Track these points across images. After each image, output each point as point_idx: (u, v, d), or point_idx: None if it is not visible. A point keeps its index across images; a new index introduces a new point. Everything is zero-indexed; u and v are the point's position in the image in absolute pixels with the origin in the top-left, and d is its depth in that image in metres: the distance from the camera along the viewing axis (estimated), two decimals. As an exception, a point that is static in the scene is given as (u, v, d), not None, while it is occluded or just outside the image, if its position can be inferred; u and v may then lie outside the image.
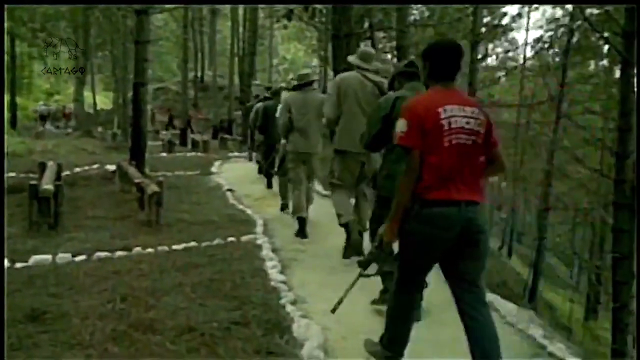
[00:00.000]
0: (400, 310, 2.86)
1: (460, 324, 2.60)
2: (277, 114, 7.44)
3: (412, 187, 2.57)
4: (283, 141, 6.45)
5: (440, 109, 2.56)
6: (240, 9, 28.03)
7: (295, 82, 6.31)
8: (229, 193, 8.90)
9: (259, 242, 5.56)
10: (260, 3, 22.72)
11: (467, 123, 2.58)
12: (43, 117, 27.42)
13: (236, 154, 16.39)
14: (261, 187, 9.35)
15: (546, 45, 19.98)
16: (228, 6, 31.12)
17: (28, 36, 22.73)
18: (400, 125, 2.60)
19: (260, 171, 10.21)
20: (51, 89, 37.26)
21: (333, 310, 3.05)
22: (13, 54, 24.91)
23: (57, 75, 33.77)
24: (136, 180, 7.38)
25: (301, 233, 5.81)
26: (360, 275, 3.02)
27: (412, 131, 2.55)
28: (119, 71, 23.43)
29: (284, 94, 7.19)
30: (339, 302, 3.03)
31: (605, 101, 14.06)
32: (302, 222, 5.89)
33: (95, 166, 11.18)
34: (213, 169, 12.19)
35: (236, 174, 11.52)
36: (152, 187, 6.62)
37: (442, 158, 2.55)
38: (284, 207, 7.36)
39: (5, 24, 21.32)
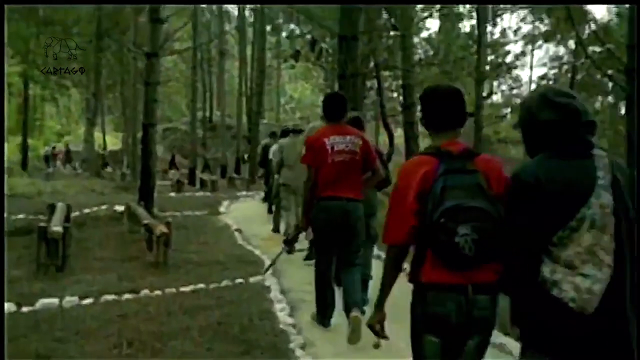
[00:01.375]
0: (319, 279, 4.15)
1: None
2: (271, 155, 9.07)
3: (310, 189, 3.97)
4: (277, 176, 7.97)
5: (325, 139, 3.95)
6: (249, 49, 28.58)
7: (290, 129, 8.19)
8: (237, 233, 8.88)
9: (267, 283, 5.51)
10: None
11: (346, 146, 3.95)
12: (47, 159, 27.73)
13: (244, 193, 16.43)
14: (269, 227, 9.33)
15: (551, 82, 20.16)
16: (236, 47, 31.75)
17: (41, 79, 23.23)
18: (303, 150, 4.14)
19: (270, 210, 10.22)
20: (62, 130, 37.84)
21: (264, 272, 5.27)
22: (26, 96, 25.41)
23: (68, 117, 34.35)
24: (144, 221, 7.38)
25: (289, 244, 5.85)
26: (283, 250, 5.33)
27: (307, 154, 4.03)
28: (129, 112, 23.82)
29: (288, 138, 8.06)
30: (268, 268, 5.23)
31: (612, 137, 14.08)
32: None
33: (104, 207, 11.22)
34: (221, 209, 12.19)
35: (244, 213, 11.51)
36: (160, 228, 6.62)
37: (328, 170, 3.92)
38: (275, 230, 8.68)
39: (19, 67, 21.90)
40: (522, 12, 21.53)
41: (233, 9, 33.25)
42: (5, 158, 17.02)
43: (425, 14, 18.68)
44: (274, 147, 9.02)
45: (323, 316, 4.18)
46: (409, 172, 2.13)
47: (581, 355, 1.75)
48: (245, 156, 25.34)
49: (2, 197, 9.35)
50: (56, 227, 6.44)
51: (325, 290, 4.14)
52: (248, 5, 30.32)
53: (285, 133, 8.28)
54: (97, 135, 27.56)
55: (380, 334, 2.25)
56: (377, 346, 2.39)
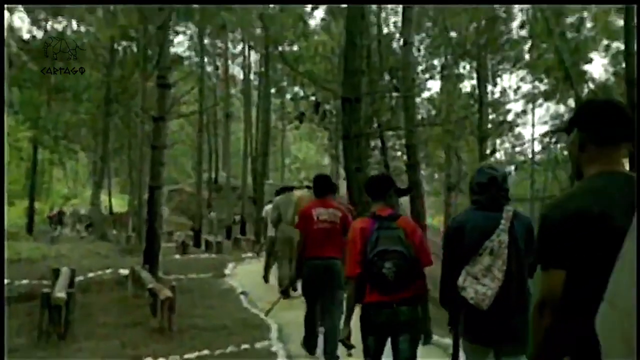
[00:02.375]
0: (307, 320, 5.06)
1: None
2: (263, 214, 10.08)
3: (301, 249, 4.88)
4: (273, 230, 8.68)
5: (313, 210, 4.91)
6: (254, 111, 29.15)
7: (284, 187, 9.03)
8: (242, 296, 8.74)
9: (273, 349, 5.38)
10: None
11: (328, 217, 4.88)
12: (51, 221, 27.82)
13: (249, 254, 16.30)
14: (276, 289, 9.19)
15: (553, 140, 20.34)
16: (242, 109, 32.40)
17: (50, 143, 23.63)
18: (296, 219, 5.29)
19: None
20: (69, 193, 38.11)
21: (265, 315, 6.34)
22: (35, 161, 25.77)
23: (76, 180, 34.67)
24: (149, 286, 7.30)
25: (285, 293, 6.57)
26: (280, 297, 6.54)
27: (299, 222, 4.99)
28: (135, 174, 24.03)
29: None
30: (268, 313, 6.42)
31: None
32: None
33: (108, 271, 11.13)
34: (226, 271, 12.07)
35: (250, 275, 11.38)
36: (165, 293, 6.53)
37: (314, 235, 4.81)
38: (266, 280, 9.53)
39: (29, 133, 22.31)
40: (522, 72, 22.06)
41: (238, 73, 34.21)
42: (10, 221, 17.07)
43: (427, 76, 19.17)
44: (267, 206, 9.86)
45: (309, 348, 5.17)
46: (356, 228, 3.27)
47: (482, 334, 2.78)
48: (237, 218, 25.44)
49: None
50: (60, 293, 6.37)
51: (311, 333, 5.12)
52: (253, 69, 31.22)
53: (279, 192, 8.92)
54: (104, 197, 27.72)
55: (348, 346, 3.26)
56: (350, 355, 3.55)
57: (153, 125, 12.23)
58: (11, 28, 20.53)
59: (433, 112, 21.64)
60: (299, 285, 5.41)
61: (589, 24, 19.02)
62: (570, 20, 18.15)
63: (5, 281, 7.87)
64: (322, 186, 5.05)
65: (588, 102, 2.03)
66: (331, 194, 5.13)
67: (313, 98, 20.53)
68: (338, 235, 4.77)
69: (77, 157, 30.42)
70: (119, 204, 34.20)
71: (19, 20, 21.54)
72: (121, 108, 21.92)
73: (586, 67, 19.15)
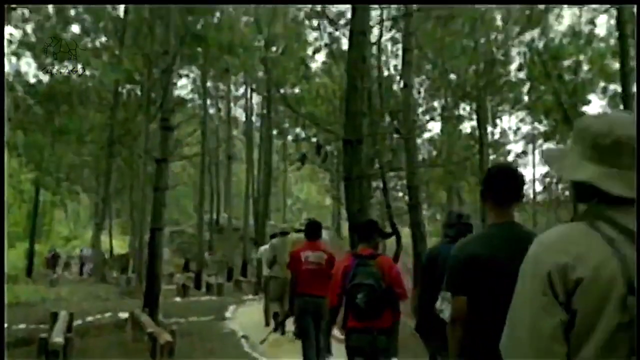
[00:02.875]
0: (304, 350, 5.56)
1: None
2: (259, 254, 10.45)
3: (292, 287, 5.63)
4: (268, 270, 9.07)
5: (302, 252, 5.61)
6: (255, 153, 29.35)
7: (279, 232, 9.42)
8: (243, 340, 8.60)
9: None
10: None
11: (315, 258, 5.56)
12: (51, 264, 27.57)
13: (250, 296, 16.12)
14: (277, 332, 9.04)
15: (554, 180, 20.37)
16: (244, 151, 32.64)
17: (52, 185, 23.70)
18: (288, 259, 6.02)
19: (275, 315, 9.99)
20: (70, 235, 37.99)
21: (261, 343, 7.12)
22: (36, 202, 25.79)
23: (76, 221, 34.62)
24: (148, 330, 7.19)
25: (280, 327, 7.57)
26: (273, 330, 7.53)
27: (290, 263, 5.72)
28: (137, 215, 24.00)
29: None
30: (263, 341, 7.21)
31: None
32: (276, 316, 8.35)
33: (107, 314, 10.99)
34: (227, 314, 11.91)
35: (251, 318, 11.22)
36: (165, 337, 6.43)
37: (303, 275, 5.51)
38: (267, 323, 9.62)
39: (31, 175, 22.43)
40: (521, 114, 22.29)
41: (240, 115, 34.59)
42: (10, 264, 16.96)
43: (427, 117, 19.38)
44: (262, 247, 10.53)
45: None
46: (339, 266, 3.92)
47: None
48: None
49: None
50: (57, 338, 6.28)
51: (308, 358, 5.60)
52: (255, 111, 31.63)
53: (274, 236, 9.50)
54: (104, 239, 27.61)
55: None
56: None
57: (155, 167, 12.30)
58: (18, 72, 20.91)
59: (434, 153, 21.78)
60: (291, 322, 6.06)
61: (585, 67, 19.35)
62: (567, 63, 18.47)
63: (4, 325, 7.76)
64: (312, 231, 5.79)
65: (489, 170, 2.68)
66: (319, 238, 5.87)
67: (314, 140, 20.71)
68: (324, 275, 5.24)
69: (78, 199, 30.43)
70: (120, 246, 34.05)
71: (26, 65, 21.90)
72: (124, 150, 22.08)
73: (585, 108, 19.36)
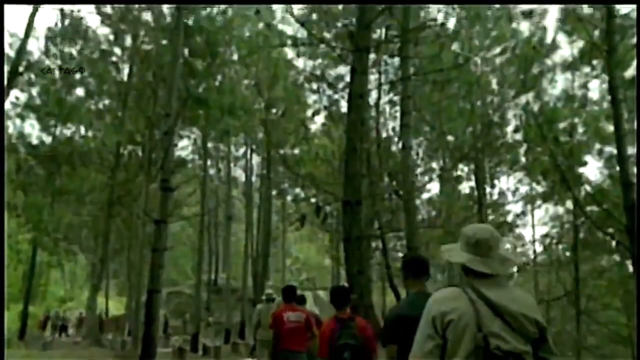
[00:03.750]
0: None
1: None
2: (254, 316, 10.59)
3: (275, 344, 6.26)
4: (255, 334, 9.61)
5: (284, 313, 6.30)
6: (255, 213, 29.34)
7: (265, 298, 9.68)
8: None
9: None
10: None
11: (295, 318, 6.28)
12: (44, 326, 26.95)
13: (249, 359, 15.70)
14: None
15: (554, 241, 20.28)
16: (243, 211, 32.64)
17: (50, 245, 23.54)
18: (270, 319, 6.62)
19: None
20: (65, 296, 37.35)
21: None
22: (33, 263, 25.50)
23: (73, 282, 34.14)
24: (142, 398, 6.96)
25: None
26: None
27: (272, 323, 6.39)
28: (134, 276, 23.70)
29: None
30: None
31: (623, 296, 13.77)
32: None
33: (100, 380, 10.66)
34: (223, 380, 11.56)
35: (247, 384, 10.88)
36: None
37: (284, 333, 6.17)
38: None
39: (30, 235, 22.31)
40: (519, 175, 22.47)
41: (240, 175, 34.83)
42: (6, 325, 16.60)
43: (426, 178, 19.53)
44: (259, 305, 10.85)
45: None
46: (327, 327, 4.43)
47: None
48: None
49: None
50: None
51: None
52: (255, 171, 31.87)
53: (258, 302, 10.16)
54: (100, 299, 27.14)
55: None
56: None
57: (154, 228, 12.28)
58: (22, 134, 21.23)
59: (433, 213, 21.78)
60: None
61: (580, 129, 19.68)
62: (562, 125, 18.81)
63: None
64: (288, 295, 6.64)
65: (404, 256, 4.66)
66: (295, 301, 6.65)
67: (314, 200, 20.78)
68: (303, 332, 6.30)
69: (76, 259, 30.15)
70: (116, 307, 33.45)
71: (30, 126, 22.27)
72: (123, 210, 22.09)
73: (582, 169, 19.58)
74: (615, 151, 11.86)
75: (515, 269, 22.65)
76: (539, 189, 22.00)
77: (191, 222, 29.67)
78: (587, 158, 20.21)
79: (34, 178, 20.00)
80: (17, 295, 27.21)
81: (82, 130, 21.89)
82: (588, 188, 15.99)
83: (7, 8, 11.77)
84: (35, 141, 21.55)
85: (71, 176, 20.70)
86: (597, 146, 19.89)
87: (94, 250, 24.41)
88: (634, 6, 7.81)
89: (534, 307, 2.21)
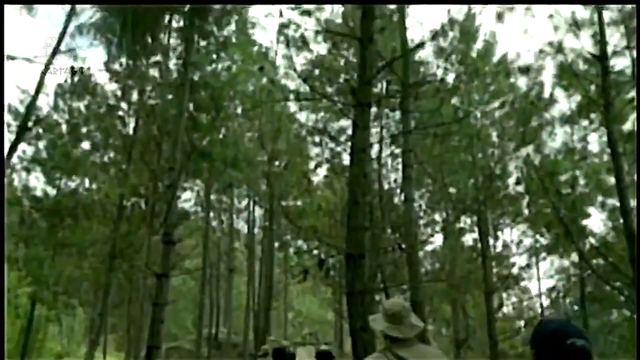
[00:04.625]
0: None
1: None
2: None
3: None
4: None
5: None
6: (257, 265, 29.07)
7: (260, 354, 9.69)
8: None
9: None
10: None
11: None
12: None
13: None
14: None
15: (561, 295, 19.99)
16: (245, 263, 32.38)
17: (50, 299, 23.24)
18: None
19: None
20: (62, 352, 36.52)
21: None
22: (31, 317, 25.07)
23: (71, 337, 33.49)
24: None
25: None
26: None
27: None
28: (134, 331, 23.31)
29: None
30: None
31: (634, 352, 13.42)
32: None
33: None
34: None
35: None
36: None
37: None
38: None
39: (29, 289, 22.06)
40: (522, 226, 22.37)
41: (242, 227, 34.76)
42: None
43: (429, 231, 19.45)
44: None
45: None
46: None
47: None
48: None
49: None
50: None
51: None
52: (257, 224, 31.79)
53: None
54: (98, 355, 26.55)
55: None
56: None
57: (156, 282, 12.19)
58: (26, 187, 21.37)
59: (437, 265, 21.59)
60: None
61: (582, 181, 19.74)
62: (563, 177, 18.88)
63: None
64: (279, 356, 7.18)
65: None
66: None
67: (316, 252, 20.65)
68: None
69: (74, 312, 29.70)
70: (113, 363, 32.69)
71: (35, 179, 22.44)
72: (125, 263, 21.94)
73: (585, 221, 19.52)
74: (617, 203, 11.88)
75: (522, 323, 22.26)
76: (543, 241, 21.86)
77: (192, 275, 29.38)
78: (590, 210, 20.20)
79: (36, 231, 19.98)
80: (13, 352, 26.63)
81: (87, 182, 22.02)
82: (593, 240, 15.90)
83: (18, 63, 12.11)
84: (39, 193, 21.67)
85: (74, 229, 20.64)
86: (600, 198, 19.90)
87: (94, 303, 24.08)
88: (629, 64, 8.08)
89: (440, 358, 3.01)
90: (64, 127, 20.78)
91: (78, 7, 12.91)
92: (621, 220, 11.19)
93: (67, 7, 12.48)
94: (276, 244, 29.37)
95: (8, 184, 20.19)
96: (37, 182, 22.49)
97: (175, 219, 14.54)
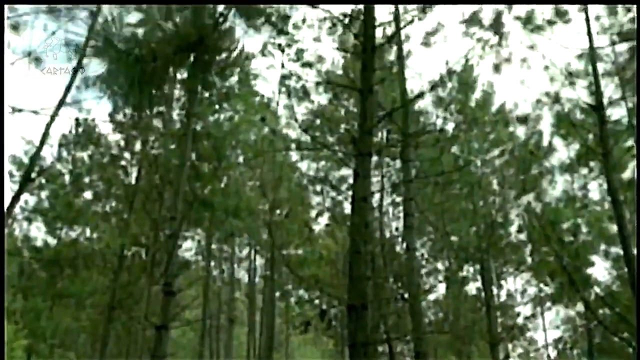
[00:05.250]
0: None
1: None
2: None
3: None
4: None
5: None
6: (258, 315, 28.61)
7: None
8: None
9: None
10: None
11: None
12: None
13: None
14: None
15: (568, 346, 19.60)
16: (246, 313, 31.88)
17: (46, 352, 22.82)
18: None
19: None
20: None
21: None
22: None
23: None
24: None
25: None
26: None
27: None
28: (131, 385, 22.69)
29: None
30: None
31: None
32: None
33: None
34: None
35: None
36: None
37: None
38: None
39: (25, 342, 21.65)
40: (526, 275, 22.16)
41: (243, 276, 34.41)
42: None
43: (432, 280, 19.27)
44: None
45: None
46: None
47: None
48: None
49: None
50: None
51: None
52: (259, 273, 31.47)
53: None
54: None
55: None
56: None
57: (155, 334, 12.00)
58: (27, 238, 21.32)
59: (440, 315, 21.26)
60: None
61: (584, 229, 19.67)
62: (565, 225, 18.83)
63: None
64: None
65: None
66: None
67: (318, 302, 20.40)
68: None
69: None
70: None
71: (36, 229, 22.44)
72: (124, 314, 21.63)
73: (589, 270, 19.33)
74: (621, 252, 11.82)
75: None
76: (548, 290, 21.60)
77: (192, 326, 28.89)
78: (594, 258, 20.05)
79: (35, 282, 19.82)
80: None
81: (88, 232, 22.00)
82: (598, 290, 15.73)
83: (25, 115, 12.32)
84: (40, 243, 21.60)
85: (73, 279, 20.48)
86: (603, 246, 19.79)
87: (91, 356, 23.58)
88: (625, 114, 8.23)
89: None
90: (66, 177, 20.91)
91: (85, 59, 13.20)
92: (626, 269, 11.09)
93: (74, 60, 12.76)
94: (277, 294, 29.00)
95: (9, 235, 20.16)
96: (38, 232, 22.46)
97: (176, 269, 14.42)
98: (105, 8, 13.10)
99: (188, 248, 27.45)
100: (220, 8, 14.43)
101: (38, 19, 12.04)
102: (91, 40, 12.73)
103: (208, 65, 16.25)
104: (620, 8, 12.05)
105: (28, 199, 21.00)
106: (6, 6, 11.35)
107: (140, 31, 14.03)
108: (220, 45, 15.06)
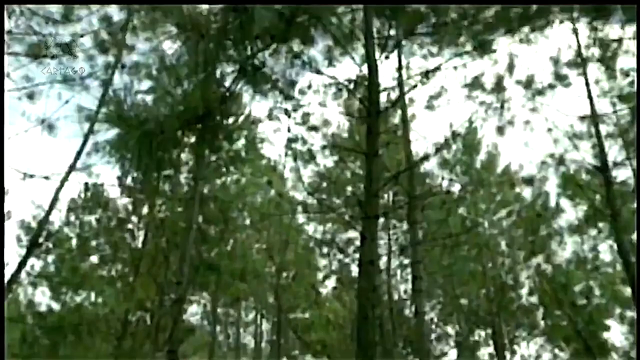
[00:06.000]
0: None
1: None
2: None
3: None
4: None
5: None
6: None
7: None
8: None
9: None
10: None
11: None
12: None
13: None
14: None
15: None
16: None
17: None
18: None
19: None
20: None
21: None
22: None
23: None
24: None
25: None
26: None
27: None
28: None
29: None
30: None
31: None
32: None
33: None
34: None
35: None
36: None
37: None
38: None
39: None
40: (539, 340, 21.56)
41: (250, 341, 33.67)
42: None
43: (442, 345, 18.77)
44: None
45: None
46: None
47: None
48: None
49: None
50: None
51: None
52: (265, 338, 30.77)
53: None
54: None
55: None
56: None
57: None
58: (31, 303, 21.08)
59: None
60: None
61: (597, 292, 19.25)
62: (577, 288, 18.47)
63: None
64: None
65: None
66: None
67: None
68: None
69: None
70: None
71: (41, 294, 22.24)
72: (127, 381, 21.06)
73: (606, 334, 18.76)
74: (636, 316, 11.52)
75: None
76: (563, 355, 20.94)
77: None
78: (609, 322, 19.50)
79: (37, 349, 19.43)
80: None
81: (92, 297, 21.75)
82: (616, 357, 15.21)
83: (34, 181, 12.48)
84: (43, 309, 21.33)
85: (76, 346, 20.08)
86: (618, 310, 19.30)
87: None
88: (631, 175, 8.23)
89: None
90: (74, 241, 20.93)
91: (96, 126, 13.48)
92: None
93: (86, 125, 13.04)
94: (282, 341, 28.28)
95: (13, 301, 20.00)
96: (43, 296, 22.25)
97: (181, 334, 14.14)
98: (117, 77, 13.49)
99: (194, 313, 27.07)
100: (229, 79, 14.81)
101: (53, 88, 12.42)
102: (102, 108, 13.05)
103: (216, 130, 16.57)
104: (618, 73, 12.32)
105: (34, 263, 20.93)
106: (21, 76, 11.76)
107: (149, 98, 14.38)
108: (227, 111, 15.38)
